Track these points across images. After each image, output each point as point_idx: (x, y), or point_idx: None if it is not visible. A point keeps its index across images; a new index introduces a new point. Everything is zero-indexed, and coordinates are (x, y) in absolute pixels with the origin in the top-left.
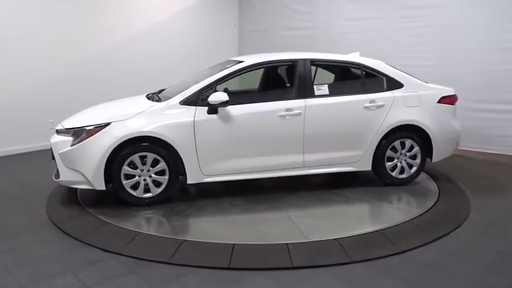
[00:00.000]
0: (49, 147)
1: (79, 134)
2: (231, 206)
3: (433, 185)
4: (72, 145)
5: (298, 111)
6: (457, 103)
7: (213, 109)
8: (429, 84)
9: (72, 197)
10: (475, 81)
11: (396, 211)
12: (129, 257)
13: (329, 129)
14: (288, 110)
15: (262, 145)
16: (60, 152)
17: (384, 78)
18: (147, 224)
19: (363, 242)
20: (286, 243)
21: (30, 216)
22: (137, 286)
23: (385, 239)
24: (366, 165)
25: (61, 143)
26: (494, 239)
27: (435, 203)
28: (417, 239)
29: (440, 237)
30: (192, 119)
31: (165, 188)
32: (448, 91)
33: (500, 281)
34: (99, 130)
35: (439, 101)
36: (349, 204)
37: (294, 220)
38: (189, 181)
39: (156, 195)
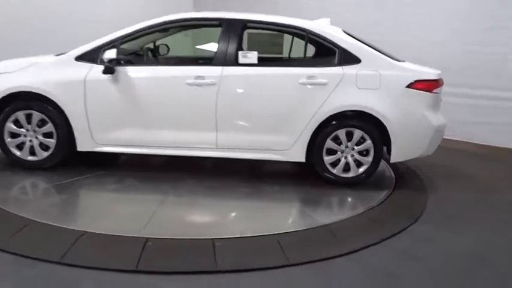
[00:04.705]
0: None
1: None
2: (116, 182)
3: (389, 172)
4: None
5: (211, 80)
6: (441, 90)
7: (108, 69)
8: (402, 64)
9: None
10: (443, 65)
11: (289, 217)
12: (11, 253)
13: (249, 106)
14: (198, 77)
15: (165, 116)
16: None
17: (337, 50)
18: (40, 210)
19: (305, 240)
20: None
21: None
22: None
23: (332, 236)
24: (298, 156)
25: None
26: (453, 236)
27: (391, 193)
28: (369, 236)
29: (395, 234)
30: (84, 77)
31: (52, 152)
32: (427, 74)
33: (457, 283)
34: None
35: (410, 86)
36: (250, 199)
37: (159, 207)
38: (79, 148)
39: (42, 159)
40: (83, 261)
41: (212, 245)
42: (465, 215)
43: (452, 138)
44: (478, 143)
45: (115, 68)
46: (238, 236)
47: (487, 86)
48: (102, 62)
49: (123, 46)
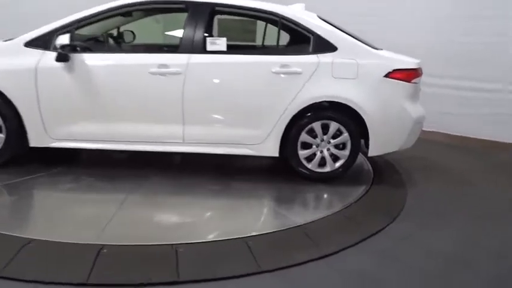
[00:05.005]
0: None
1: None
2: (72, 181)
3: (366, 166)
4: None
5: (175, 69)
6: (420, 80)
7: (61, 56)
8: (380, 52)
9: None
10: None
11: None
12: None
13: (218, 97)
14: (162, 66)
15: (127, 108)
16: None
17: (311, 37)
18: None
19: (278, 243)
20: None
21: None
22: None
23: (307, 237)
24: (271, 150)
25: None
26: (432, 233)
27: (369, 188)
28: (346, 236)
29: (373, 234)
30: (35, 65)
31: (1, 148)
32: (406, 63)
33: (438, 283)
34: None
35: (388, 75)
36: (219, 197)
37: (119, 208)
38: (32, 144)
39: None
40: (26, 275)
41: (175, 251)
42: (443, 210)
43: (433, 130)
44: (460, 134)
45: (69, 55)
46: (204, 240)
47: (471, 77)
48: (55, 48)
49: (82, 32)
